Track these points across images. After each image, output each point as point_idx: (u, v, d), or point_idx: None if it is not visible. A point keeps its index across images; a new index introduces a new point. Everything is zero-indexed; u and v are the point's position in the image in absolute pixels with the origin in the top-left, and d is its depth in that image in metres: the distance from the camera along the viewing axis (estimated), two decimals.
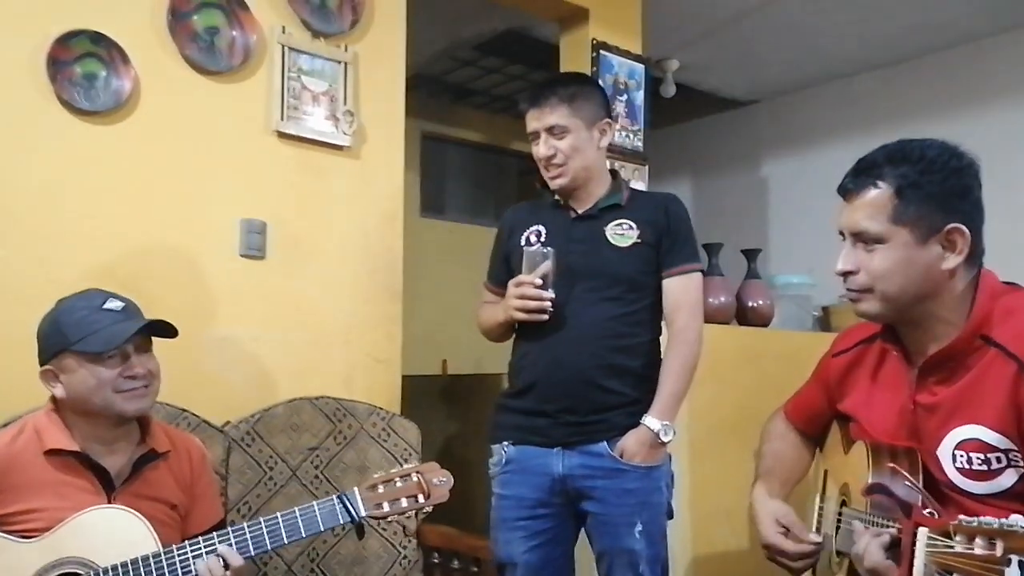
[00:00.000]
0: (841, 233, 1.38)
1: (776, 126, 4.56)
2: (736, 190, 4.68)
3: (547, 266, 1.91)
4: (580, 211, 2.04)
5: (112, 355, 1.54)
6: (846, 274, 1.35)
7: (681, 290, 2.00)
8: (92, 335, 1.53)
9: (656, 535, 1.95)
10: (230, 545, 1.51)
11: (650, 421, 1.92)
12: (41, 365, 1.58)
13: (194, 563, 1.47)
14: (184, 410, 2.10)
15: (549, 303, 1.91)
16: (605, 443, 1.92)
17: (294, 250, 2.48)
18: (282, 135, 2.44)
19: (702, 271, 2.06)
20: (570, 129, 1.98)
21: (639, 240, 1.98)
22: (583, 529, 2.02)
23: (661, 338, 2.06)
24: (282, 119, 2.42)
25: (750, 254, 3.47)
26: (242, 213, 2.38)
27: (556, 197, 2.08)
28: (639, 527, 1.90)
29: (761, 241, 4.13)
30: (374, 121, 2.64)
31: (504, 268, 2.12)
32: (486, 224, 4.98)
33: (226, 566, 1.48)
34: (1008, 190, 3.57)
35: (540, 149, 1.99)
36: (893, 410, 1.41)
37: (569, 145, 1.98)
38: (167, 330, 1.63)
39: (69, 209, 2.13)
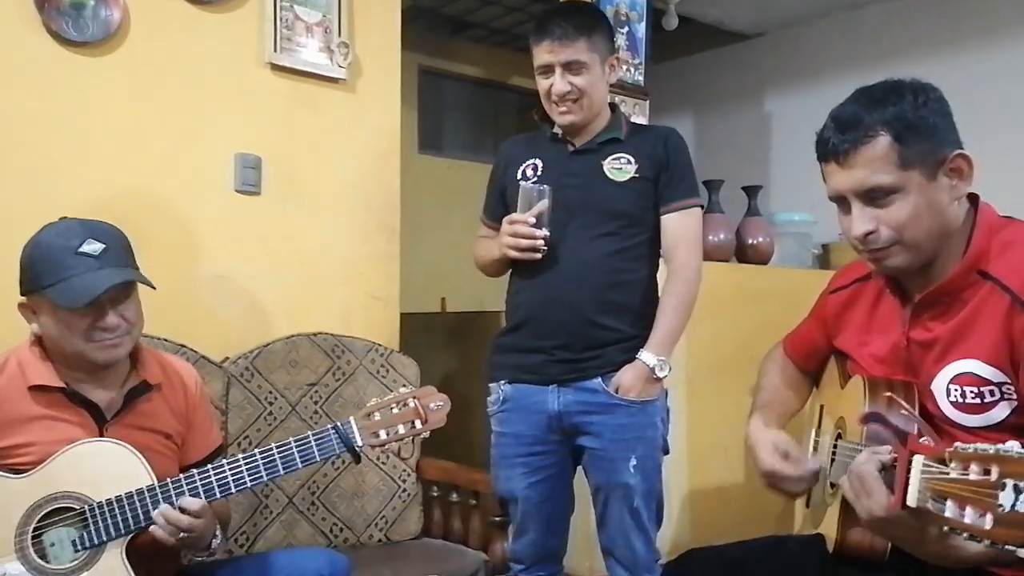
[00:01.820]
0: (840, 198, 1.31)
1: (780, 60, 4.47)
2: (738, 126, 4.62)
3: (543, 205, 1.88)
4: (578, 145, 2.00)
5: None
6: (866, 235, 1.28)
7: (680, 226, 1.98)
8: (63, 283, 1.46)
9: (651, 470, 1.96)
10: (225, 476, 1.51)
11: (646, 356, 1.91)
12: (21, 295, 1.54)
13: (152, 514, 1.46)
14: (183, 346, 2.10)
15: (542, 242, 1.88)
16: (600, 379, 1.92)
17: (290, 186, 2.46)
18: (275, 67, 2.40)
19: (701, 206, 2.03)
20: (588, 65, 1.92)
21: (637, 175, 1.95)
22: (579, 465, 2.04)
23: (658, 274, 2.05)
24: (275, 50, 2.38)
25: (751, 191, 3.44)
26: (236, 147, 2.35)
27: (555, 130, 2.04)
28: (634, 462, 1.92)
29: (762, 178, 4.09)
30: (370, 54, 2.58)
31: (500, 203, 2.09)
32: (485, 161, 4.90)
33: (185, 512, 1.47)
34: (1016, 126, 3.52)
35: (557, 84, 1.92)
36: (887, 347, 1.40)
37: (587, 82, 1.92)
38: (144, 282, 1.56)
39: (60, 143, 2.10)
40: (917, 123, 1.24)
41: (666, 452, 2.02)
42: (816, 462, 1.50)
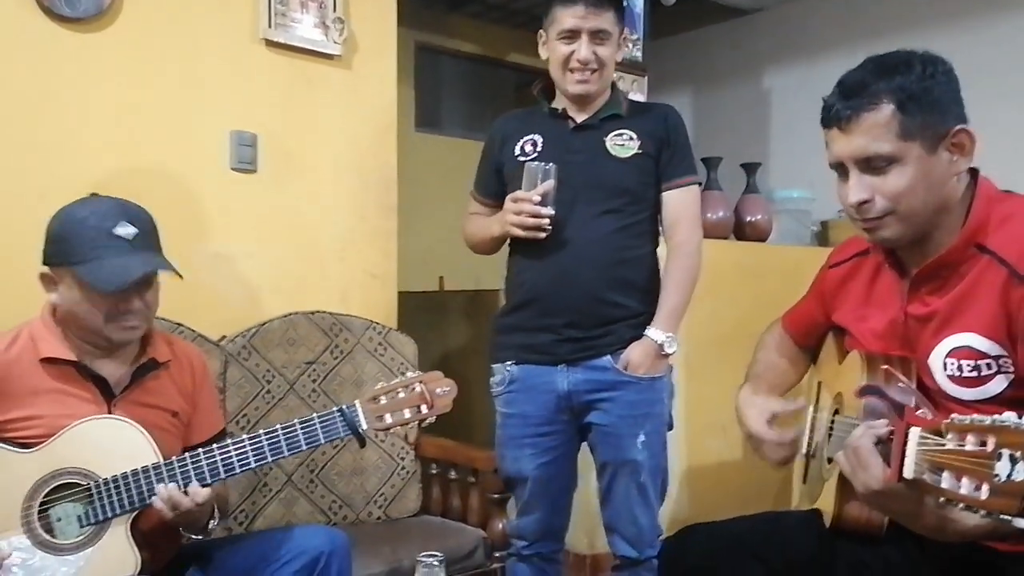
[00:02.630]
0: (839, 165, 1.31)
1: (779, 36, 4.44)
2: (737, 102, 4.60)
3: (549, 184, 1.86)
4: (579, 120, 1.98)
5: None
6: (861, 204, 1.28)
7: (681, 203, 1.99)
8: (95, 263, 1.47)
9: (657, 446, 1.97)
10: (230, 457, 1.52)
11: (654, 333, 1.92)
12: (44, 264, 1.54)
13: (156, 489, 1.47)
14: (180, 324, 2.10)
15: (547, 221, 1.87)
16: (609, 356, 1.93)
17: (286, 164, 2.44)
18: (270, 43, 2.38)
19: (700, 183, 2.03)
20: (612, 36, 1.92)
21: (640, 151, 1.95)
22: (584, 441, 2.05)
23: (658, 250, 2.04)
24: (270, 27, 2.36)
25: (749, 168, 3.43)
26: (232, 125, 2.34)
27: (553, 105, 2.02)
28: (642, 438, 1.93)
29: (761, 155, 4.08)
30: (365, 30, 2.56)
31: (495, 179, 2.07)
32: (483, 139, 4.90)
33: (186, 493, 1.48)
34: (1016, 99, 3.51)
35: (582, 52, 1.89)
36: (885, 322, 1.40)
37: (608, 54, 1.93)
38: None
39: (53, 120, 2.09)
40: (921, 94, 1.24)
41: (670, 428, 2.03)
42: (794, 431, 1.51)
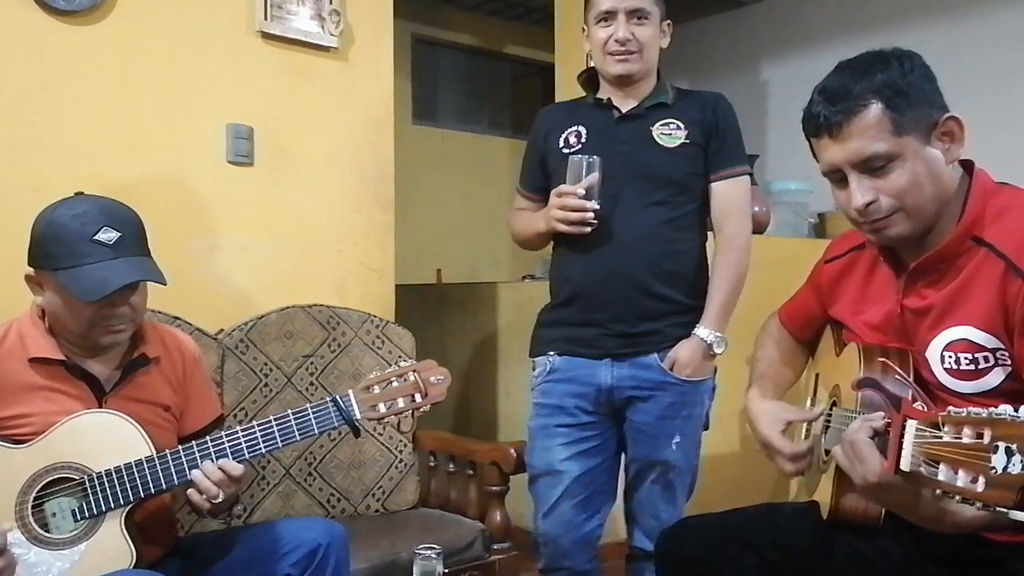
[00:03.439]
0: (834, 172, 1.29)
1: (777, 27, 4.44)
2: (734, 94, 4.54)
3: (594, 177, 1.81)
4: (624, 110, 1.93)
5: None
6: (867, 206, 1.27)
7: (731, 194, 1.93)
8: (76, 270, 1.45)
9: (692, 448, 1.94)
10: (223, 449, 1.52)
11: (703, 332, 1.88)
12: (29, 265, 1.53)
13: (190, 472, 1.47)
14: (177, 318, 2.09)
15: (592, 215, 1.82)
16: (656, 355, 1.88)
17: (283, 156, 2.44)
18: (266, 36, 2.37)
19: (750, 174, 1.98)
20: (652, 17, 1.89)
21: (687, 140, 1.90)
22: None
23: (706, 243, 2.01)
24: (266, 19, 2.34)
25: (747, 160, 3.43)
26: (228, 118, 2.33)
27: (598, 96, 1.97)
28: (677, 439, 1.89)
29: (759, 147, 4.08)
30: (362, 22, 2.55)
31: (539, 173, 2.02)
32: (480, 131, 4.90)
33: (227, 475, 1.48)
34: (1011, 92, 3.50)
35: (620, 31, 1.85)
36: (881, 315, 1.40)
37: (648, 35, 1.89)
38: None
39: (47, 114, 2.08)
40: (907, 89, 1.24)
41: (706, 427, 2.00)
42: (807, 444, 1.50)
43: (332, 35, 2.46)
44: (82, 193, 1.56)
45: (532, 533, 2.02)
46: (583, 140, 1.93)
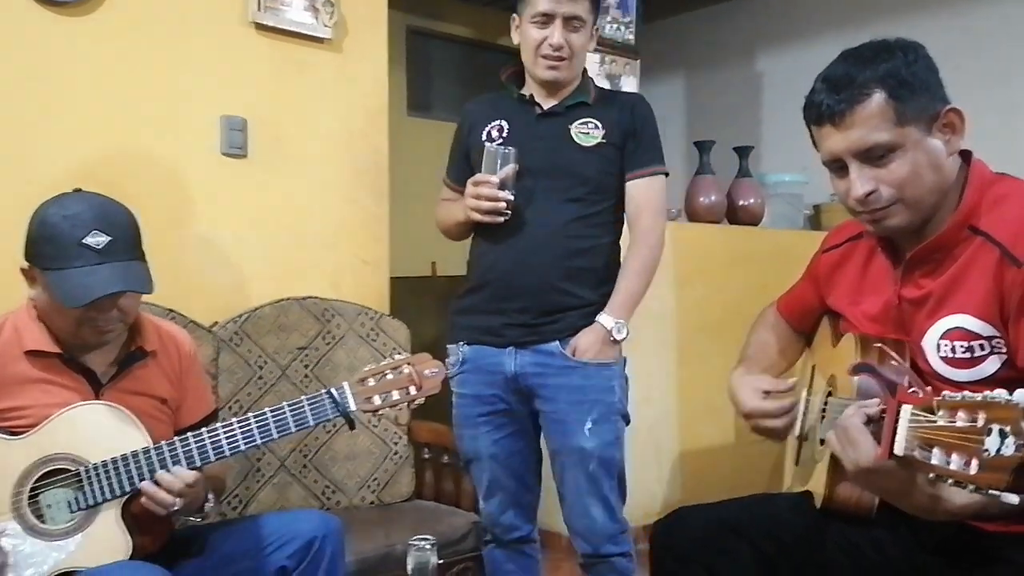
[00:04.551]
0: (835, 161, 1.29)
1: (771, 19, 4.43)
2: (730, 86, 4.59)
3: (509, 168, 1.85)
4: (545, 107, 1.98)
5: None
6: (867, 195, 1.26)
7: (645, 192, 1.97)
8: (63, 272, 1.44)
9: (608, 435, 1.94)
10: (219, 441, 1.52)
11: (604, 319, 1.92)
12: (25, 259, 1.52)
13: (140, 482, 1.46)
14: (171, 310, 2.09)
15: (506, 205, 1.86)
16: (557, 342, 1.93)
17: (276, 149, 2.43)
18: (260, 27, 2.36)
19: (666, 174, 2.02)
20: (586, 24, 1.92)
21: (604, 140, 1.94)
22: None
23: (621, 241, 2.03)
24: (259, 9, 2.34)
25: (742, 151, 3.43)
26: (222, 110, 2.32)
27: (522, 92, 2.01)
28: (589, 425, 1.91)
29: (754, 138, 4.08)
30: (356, 13, 2.55)
31: (464, 164, 2.05)
32: None
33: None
34: (1009, 83, 3.51)
35: (555, 37, 1.88)
36: (879, 305, 1.41)
37: (581, 42, 1.92)
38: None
39: (40, 106, 2.07)
40: (910, 79, 1.24)
41: (627, 422, 2.01)
42: (789, 400, 1.50)
43: (326, 26, 2.45)
44: (80, 190, 1.55)
45: (480, 512, 2.10)
46: (505, 135, 1.97)
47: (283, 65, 2.42)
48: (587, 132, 1.94)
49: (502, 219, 1.87)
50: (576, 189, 1.92)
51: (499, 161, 1.85)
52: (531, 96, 1.99)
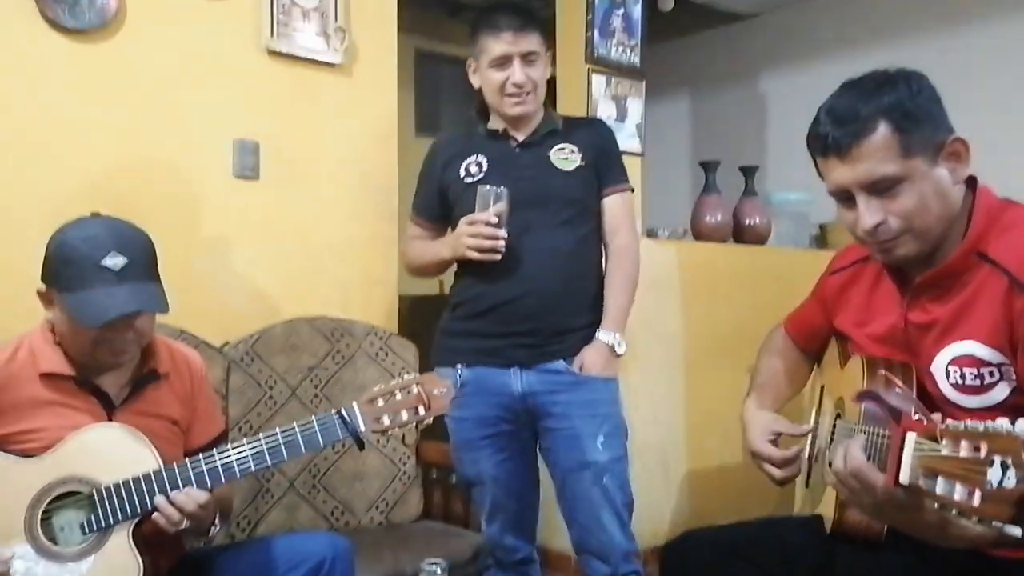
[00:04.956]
0: (842, 192, 1.29)
1: (776, 40, 4.46)
2: (734, 106, 4.61)
3: (502, 206, 1.90)
4: (522, 139, 2.04)
5: None
6: (876, 227, 1.27)
7: (620, 208, 2.07)
8: (80, 293, 1.46)
9: (618, 449, 1.99)
10: (230, 462, 1.53)
11: (604, 335, 1.98)
12: (42, 281, 1.54)
13: (153, 500, 1.47)
14: (182, 331, 2.11)
15: (502, 243, 1.90)
16: (562, 361, 1.97)
17: (288, 171, 2.46)
18: (273, 53, 2.39)
19: (632, 190, 2.12)
20: (540, 56, 2.00)
21: (582, 163, 2.02)
22: (540, 453, 2.07)
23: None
24: (272, 36, 2.37)
25: (747, 171, 3.45)
26: (235, 133, 2.35)
27: (491, 127, 2.07)
28: (601, 439, 1.95)
29: (759, 158, 4.09)
30: (366, 38, 2.58)
31: (438, 202, 2.09)
32: None
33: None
34: (1016, 104, 3.52)
35: (516, 75, 1.96)
36: (885, 328, 1.41)
37: (540, 74, 2.01)
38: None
39: (57, 130, 2.10)
40: (915, 111, 1.24)
41: (626, 437, 2.05)
42: (795, 451, 1.51)
43: (337, 51, 2.48)
44: (98, 214, 1.57)
45: (483, 533, 2.12)
46: (484, 169, 2.02)
47: (295, 89, 2.45)
48: (566, 157, 2.02)
49: (499, 256, 1.91)
50: (565, 212, 1.99)
51: (492, 199, 1.90)
52: (504, 130, 2.05)
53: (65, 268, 1.48)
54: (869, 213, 1.27)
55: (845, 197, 1.31)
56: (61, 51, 2.09)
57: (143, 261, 1.54)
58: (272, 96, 2.41)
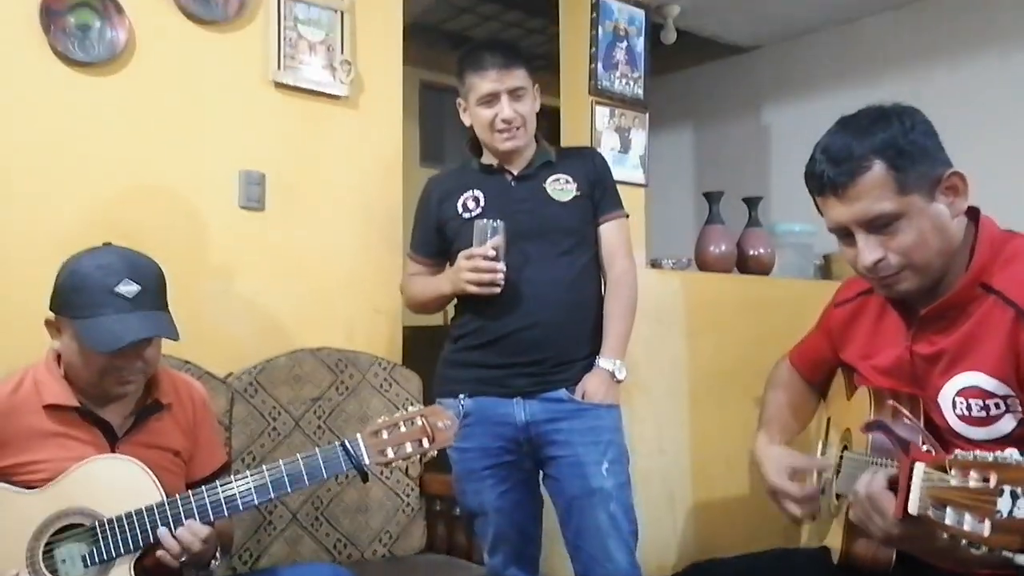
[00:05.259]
0: (841, 229, 1.31)
1: (778, 72, 4.50)
2: (737, 137, 4.64)
3: (499, 240, 1.91)
4: (517, 172, 2.07)
5: None
6: (876, 263, 1.28)
7: (616, 235, 2.09)
8: (93, 319, 1.47)
9: (622, 476, 1.99)
10: (233, 494, 1.52)
11: (604, 362, 1.99)
12: (50, 310, 1.55)
13: (156, 531, 1.47)
14: (187, 362, 2.11)
15: (501, 276, 1.91)
16: (564, 390, 1.98)
17: (293, 202, 2.47)
18: (279, 85, 2.42)
19: (627, 216, 2.14)
20: (527, 91, 2.03)
21: (578, 193, 2.04)
22: (544, 483, 2.06)
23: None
24: (279, 69, 2.39)
25: (751, 202, 3.46)
26: (241, 165, 2.37)
27: (485, 162, 2.09)
28: (606, 465, 1.95)
29: (762, 189, 4.10)
30: (372, 70, 2.61)
31: (436, 238, 2.12)
32: None
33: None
34: (1015, 136, 3.54)
35: (505, 111, 1.99)
36: (891, 359, 1.41)
37: (528, 107, 2.03)
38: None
39: (66, 162, 2.12)
40: (909, 147, 1.25)
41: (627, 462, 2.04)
42: (815, 487, 1.50)
43: (343, 83, 2.51)
44: (110, 244, 1.59)
45: (486, 564, 2.10)
46: (482, 204, 2.04)
47: (301, 121, 2.48)
48: (561, 188, 2.05)
49: (498, 289, 1.92)
50: (564, 242, 2.01)
51: (489, 233, 1.91)
52: (498, 164, 2.08)
53: (78, 295, 1.50)
54: (868, 250, 1.28)
55: (845, 234, 1.32)
56: (71, 84, 2.12)
57: (155, 289, 1.56)
58: (278, 128, 2.44)
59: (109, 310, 1.48)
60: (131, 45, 2.19)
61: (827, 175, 1.28)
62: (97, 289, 1.49)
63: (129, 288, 1.50)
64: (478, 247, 1.91)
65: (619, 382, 2.01)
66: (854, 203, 1.27)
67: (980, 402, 1.26)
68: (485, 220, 1.94)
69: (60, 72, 2.10)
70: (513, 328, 1.97)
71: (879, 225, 1.27)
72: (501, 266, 1.91)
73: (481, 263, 1.90)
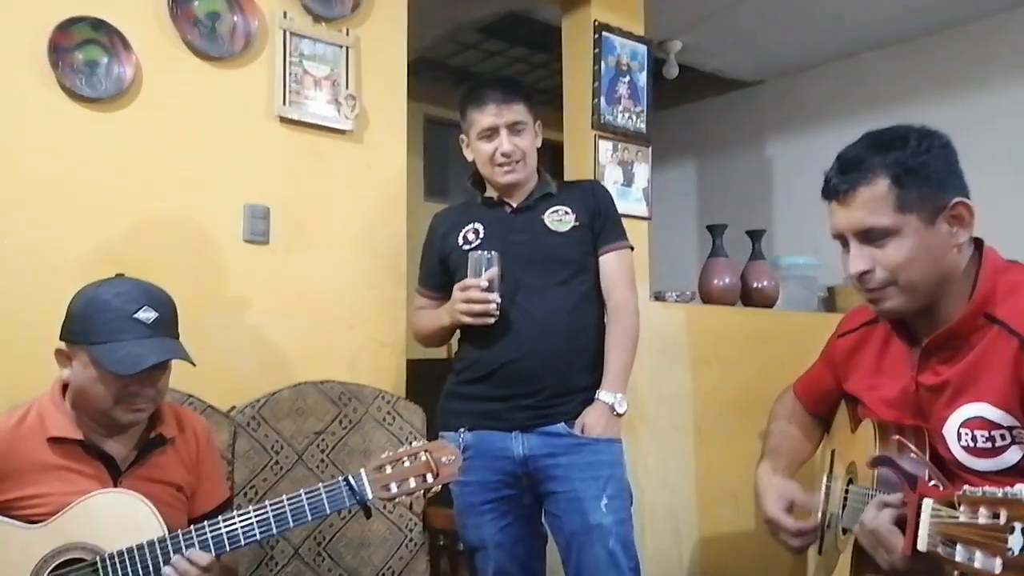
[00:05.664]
0: (839, 236, 1.34)
1: (780, 106, 4.54)
2: (740, 171, 4.67)
3: (493, 271, 1.93)
4: (516, 204, 2.09)
5: None
6: (862, 274, 1.31)
7: (617, 266, 2.09)
8: (113, 344, 1.49)
9: (622, 512, 1.97)
10: (235, 529, 1.51)
11: (604, 395, 1.98)
12: (61, 340, 1.57)
13: (164, 573, 1.46)
14: (190, 395, 2.10)
15: (495, 306, 1.92)
16: (563, 423, 1.96)
17: (298, 235, 2.48)
18: (284, 120, 2.44)
19: (631, 248, 2.14)
20: (528, 125, 2.06)
21: (577, 223, 2.05)
22: (545, 520, 2.04)
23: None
24: (284, 104, 2.42)
25: (755, 235, 3.47)
26: (246, 199, 2.38)
27: (487, 195, 2.13)
28: (605, 500, 1.93)
29: (766, 222, 4.12)
30: (376, 105, 2.63)
31: (440, 271, 2.15)
32: None
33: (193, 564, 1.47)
34: (1017, 170, 3.55)
35: (504, 145, 2.02)
36: (896, 391, 1.40)
37: (528, 142, 2.06)
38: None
39: (72, 196, 2.13)
40: (917, 168, 1.27)
41: (631, 501, 2.03)
42: (815, 521, 1.49)
43: (348, 118, 2.53)
44: (123, 275, 1.62)
45: None
46: (481, 236, 2.07)
47: (306, 156, 2.49)
48: (560, 219, 2.06)
49: (492, 320, 1.94)
50: (561, 272, 2.02)
51: (484, 265, 1.93)
52: (499, 197, 2.11)
53: (97, 322, 1.51)
54: (857, 259, 1.31)
55: (843, 241, 1.34)
56: (78, 119, 2.14)
57: (170, 317, 1.59)
58: (283, 162, 2.46)
59: (128, 335, 1.50)
60: (138, 81, 2.21)
61: (833, 181, 1.32)
62: (117, 315, 1.51)
63: (148, 315, 1.53)
64: (472, 278, 1.93)
65: (620, 415, 1.99)
66: (852, 212, 1.30)
67: (985, 433, 1.26)
68: (480, 251, 1.96)
69: (68, 108, 2.13)
70: (510, 358, 1.97)
71: (872, 238, 1.29)
72: (495, 296, 1.92)
73: (474, 294, 1.92)
